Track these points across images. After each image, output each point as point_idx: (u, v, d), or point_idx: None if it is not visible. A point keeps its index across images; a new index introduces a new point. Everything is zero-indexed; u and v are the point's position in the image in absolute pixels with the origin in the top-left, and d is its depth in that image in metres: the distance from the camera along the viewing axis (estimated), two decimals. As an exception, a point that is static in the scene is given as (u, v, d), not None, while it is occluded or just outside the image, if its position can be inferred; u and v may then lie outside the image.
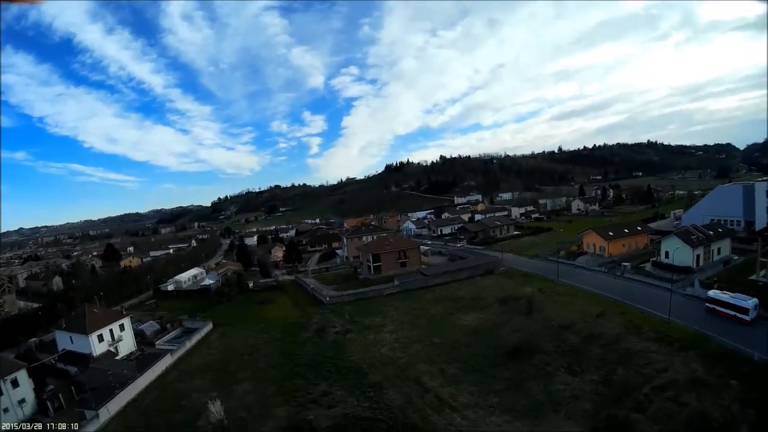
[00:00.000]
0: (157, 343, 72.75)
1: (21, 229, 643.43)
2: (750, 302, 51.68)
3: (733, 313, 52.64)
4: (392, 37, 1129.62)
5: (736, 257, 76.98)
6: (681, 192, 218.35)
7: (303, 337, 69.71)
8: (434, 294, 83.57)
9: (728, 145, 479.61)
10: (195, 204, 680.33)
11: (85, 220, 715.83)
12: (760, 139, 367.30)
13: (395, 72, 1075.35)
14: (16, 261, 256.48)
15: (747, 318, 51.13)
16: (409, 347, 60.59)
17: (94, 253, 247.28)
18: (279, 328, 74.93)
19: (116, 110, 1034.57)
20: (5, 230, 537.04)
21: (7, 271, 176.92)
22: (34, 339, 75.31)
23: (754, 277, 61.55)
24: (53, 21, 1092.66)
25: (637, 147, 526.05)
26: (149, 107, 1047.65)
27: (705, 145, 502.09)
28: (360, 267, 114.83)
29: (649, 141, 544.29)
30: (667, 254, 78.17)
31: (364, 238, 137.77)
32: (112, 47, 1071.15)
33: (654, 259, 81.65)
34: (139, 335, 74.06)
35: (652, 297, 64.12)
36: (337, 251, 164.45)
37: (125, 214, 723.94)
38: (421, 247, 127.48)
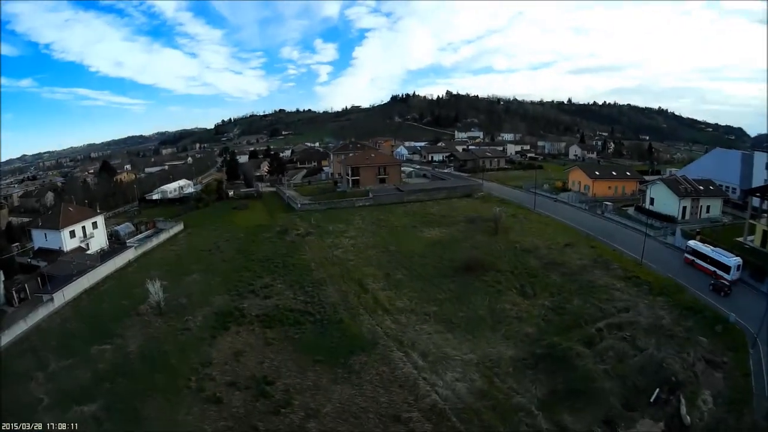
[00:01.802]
0: (128, 242, 72.67)
1: (24, 156, 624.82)
2: (733, 260, 45.99)
3: (713, 269, 47.30)
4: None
5: (725, 220, 72.24)
6: (681, 156, 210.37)
7: (263, 237, 69.64)
8: (405, 209, 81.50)
9: (739, 129, 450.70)
10: (199, 126, 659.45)
11: (88, 144, 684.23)
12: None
13: (412, 7, 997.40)
14: (16, 185, 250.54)
15: (728, 277, 45.58)
16: (363, 252, 58.90)
17: (90, 170, 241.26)
18: (244, 230, 74.80)
19: (125, 34, 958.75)
20: (8, 158, 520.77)
21: (2, 191, 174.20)
22: (15, 244, 75.18)
23: (741, 239, 56.97)
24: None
25: (648, 111, 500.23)
26: (159, 30, 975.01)
27: (716, 124, 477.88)
28: (340, 181, 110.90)
29: (660, 108, 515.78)
30: (652, 201, 74.04)
31: (350, 155, 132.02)
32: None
33: (639, 204, 77.70)
34: (113, 236, 74.37)
35: (629, 238, 59.50)
36: (324, 168, 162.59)
37: (129, 137, 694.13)
38: (406, 168, 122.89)
